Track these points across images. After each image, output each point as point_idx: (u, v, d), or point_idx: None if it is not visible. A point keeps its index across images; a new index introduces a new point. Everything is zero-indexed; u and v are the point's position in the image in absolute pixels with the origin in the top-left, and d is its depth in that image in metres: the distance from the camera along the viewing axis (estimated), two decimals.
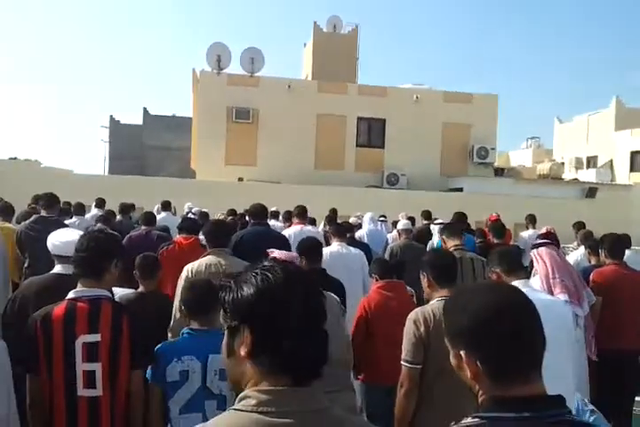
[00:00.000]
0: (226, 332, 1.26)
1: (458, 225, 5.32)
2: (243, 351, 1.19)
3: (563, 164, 23.09)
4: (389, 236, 8.48)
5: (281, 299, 1.18)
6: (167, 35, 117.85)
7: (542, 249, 4.01)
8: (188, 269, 3.82)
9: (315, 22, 20.76)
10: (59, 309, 2.54)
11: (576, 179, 20.84)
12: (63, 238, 3.31)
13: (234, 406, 1.19)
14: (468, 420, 1.23)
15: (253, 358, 1.19)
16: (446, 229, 5.13)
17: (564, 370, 2.91)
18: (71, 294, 2.59)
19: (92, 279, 2.62)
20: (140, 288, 3.83)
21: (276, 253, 3.11)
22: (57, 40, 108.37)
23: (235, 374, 1.25)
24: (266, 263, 1.26)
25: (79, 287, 2.62)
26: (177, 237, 5.35)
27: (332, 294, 3.09)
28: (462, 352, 1.28)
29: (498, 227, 6.87)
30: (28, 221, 5.38)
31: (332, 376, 2.60)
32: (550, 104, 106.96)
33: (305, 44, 22.57)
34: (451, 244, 4.85)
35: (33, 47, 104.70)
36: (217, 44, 18.28)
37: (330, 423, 1.19)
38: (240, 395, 1.20)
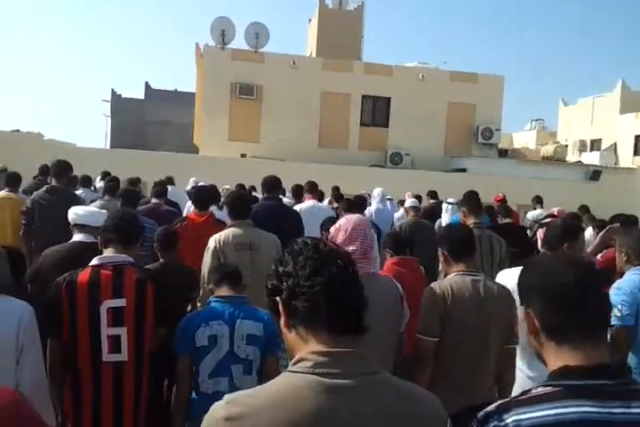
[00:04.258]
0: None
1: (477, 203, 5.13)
2: (282, 322, 1.26)
3: (566, 146, 23.01)
4: (396, 215, 8.46)
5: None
6: (171, 7, 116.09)
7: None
8: (215, 239, 3.87)
9: None
10: (83, 275, 2.57)
11: (579, 161, 20.77)
12: (88, 209, 3.54)
13: (289, 369, 1.19)
14: (539, 389, 1.24)
15: (288, 324, 1.24)
16: (469, 204, 4.91)
17: None
18: (95, 261, 2.62)
19: (122, 246, 2.66)
20: (161, 260, 3.85)
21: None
22: (61, 12, 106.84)
23: (287, 344, 1.29)
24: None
25: (105, 253, 2.66)
26: (190, 211, 5.31)
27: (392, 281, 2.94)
28: (524, 309, 1.36)
29: (505, 207, 6.92)
30: (40, 191, 5.38)
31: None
32: (556, 87, 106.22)
33: (310, 20, 22.25)
34: (471, 221, 4.69)
35: (36, 20, 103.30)
36: (221, 19, 17.98)
37: (386, 385, 1.21)
38: (294, 358, 1.21)
